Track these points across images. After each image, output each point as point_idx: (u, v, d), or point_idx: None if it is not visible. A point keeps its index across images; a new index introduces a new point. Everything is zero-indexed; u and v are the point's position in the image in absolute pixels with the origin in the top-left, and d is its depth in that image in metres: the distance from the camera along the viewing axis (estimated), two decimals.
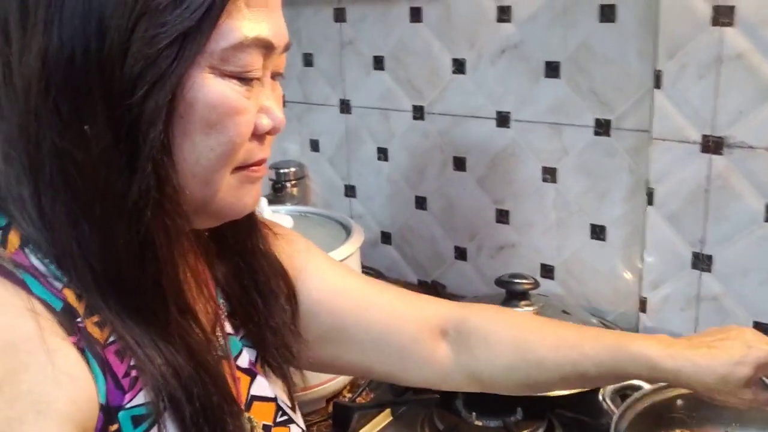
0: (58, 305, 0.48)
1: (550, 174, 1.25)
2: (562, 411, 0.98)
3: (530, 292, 1.10)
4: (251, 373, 0.63)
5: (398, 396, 1.05)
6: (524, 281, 1.09)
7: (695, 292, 1.12)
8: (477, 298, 1.20)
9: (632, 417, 0.85)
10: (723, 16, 0.98)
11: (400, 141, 1.43)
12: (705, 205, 1.07)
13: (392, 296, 0.77)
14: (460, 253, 1.41)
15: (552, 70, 1.20)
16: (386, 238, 1.51)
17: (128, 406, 0.49)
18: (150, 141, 0.48)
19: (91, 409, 0.47)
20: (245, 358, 0.63)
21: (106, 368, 0.49)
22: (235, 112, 0.51)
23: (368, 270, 1.26)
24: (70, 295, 0.49)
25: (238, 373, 0.62)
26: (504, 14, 1.22)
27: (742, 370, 0.67)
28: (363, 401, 1.07)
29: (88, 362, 0.48)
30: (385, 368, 0.76)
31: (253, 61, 0.52)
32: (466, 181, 1.36)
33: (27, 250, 0.49)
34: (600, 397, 0.89)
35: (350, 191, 1.54)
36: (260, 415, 0.62)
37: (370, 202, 1.52)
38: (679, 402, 0.88)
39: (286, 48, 0.56)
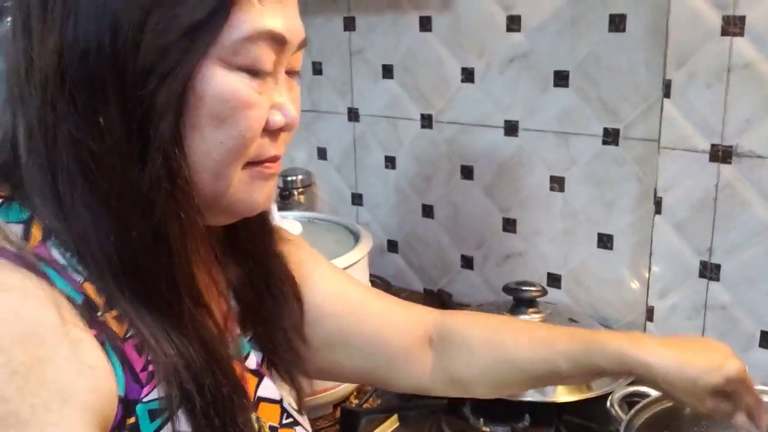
0: (79, 298, 0.48)
1: (557, 183, 1.26)
2: (570, 417, 0.98)
3: (537, 299, 1.11)
4: (258, 375, 0.63)
5: (406, 402, 1.05)
6: (532, 288, 1.10)
7: (702, 301, 1.12)
8: (483, 306, 1.20)
9: (640, 423, 0.84)
10: (732, 26, 0.99)
11: (408, 149, 1.43)
12: (713, 214, 1.07)
13: (390, 305, 0.78)
14: (467, 262, 1.41)
15: (561, 79, 1.21)
16: (393, 246, 1.51)
17: (145, 399, 0.50)
18: (160, 133, 0.48)
19: (111, 400, 0.47)
20: (253, 360, 0.63)
21: (125, 362, 0.49)
22: (246, 105, 0.51)
23: (375, 278, 1.26)
24: (90, 289, 0.49)
25: (247, 374, 0.62)
26: (513, 24, 1.23)
27: (714, 378, 0.68)
28: (370, 407, 1.07)
29: (107, 355, 0.48)
30: (379, 375, 0.77)
31: (265, 55, 0.52)
32: (473, 190, 1.36)
33: (49, 243, 0.50)
34: (608, 404, 0.89)
35: (357, 199, 1.55)
36: (266, 417, 0.62)
37: (376, 210, 1.53)
38: (688, 410, 0.87)
39: (302, 45, 0.56)
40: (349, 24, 1.44)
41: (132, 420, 0.49)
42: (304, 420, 0.68)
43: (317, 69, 1.52)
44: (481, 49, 1.28)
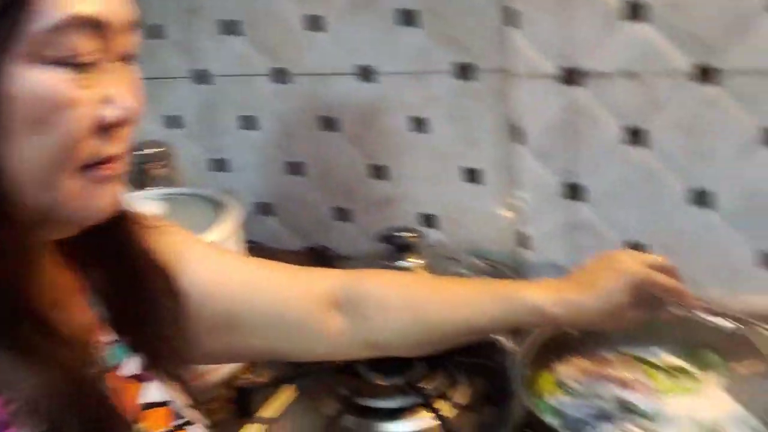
0: None
1: (420, 124, 1.25)
2: (461, 358, 0.99)
3: (415, 243, 1.10)
4: (140, 380, 0.59)
5: (298, 369, 1.03)
6: (408, 234, 1.09)
7: (571, 221, 1.16)
8: (364, 258, 1.19)
9: (532, 352, 0.87)
10: None
11: (265, 107, 1.37)
12: (571, 137, 1.10)
13: (279, 274, 0.74)
14: (341, 214, 1.39)
15: (408, 18, 1.18)
16: (263, 208, 1.47)
17: None
18: None
19: None
20: (131, 366, 0.59)
21: None
22: (65, 105, 0.45)
23: (250, 243, 1.22)
24: None
25: (125, 383, 0.57)
26: None
27: (621, 297, 0.71)
28: (263, 380, 1.04)
29: None
30: (281, 348, 0.74)
31: (82, 44, 0.46)
32: (338, 140, 1.33)
33: None
34: (499, 339, 0.91)
35: (218, 165, 1.48)
36: (156, 423, 0.58)
37: (241, 174, 1.46)
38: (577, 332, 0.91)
39: (131, 26, 0.50)
40: None
41: None
42: (198, 416, 0.64)
43: (154, 33, 1.42)
44: None
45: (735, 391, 0.83)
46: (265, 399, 0.99)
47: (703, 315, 0.78)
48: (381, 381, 0.97)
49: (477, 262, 1.19)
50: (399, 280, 0.79)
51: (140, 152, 1.43)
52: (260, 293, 0.71)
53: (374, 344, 0.74)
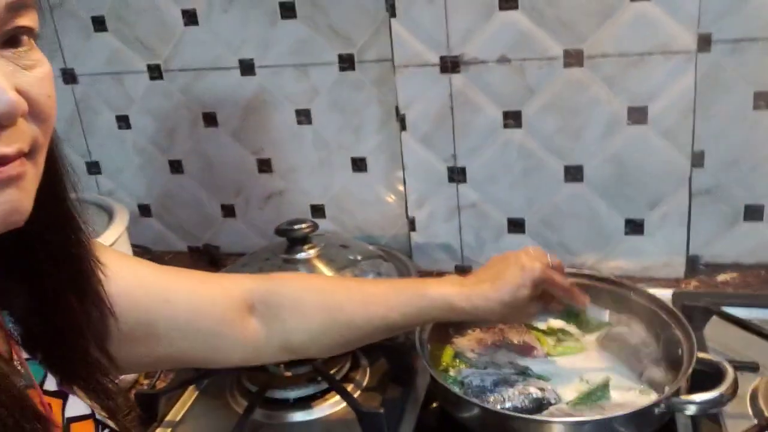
0: None
1: (304, 116, 1.25)
2: None
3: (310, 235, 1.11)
4: (62, 395, 0.56)
5: (198, 370, 1.02)
6: (303, 225, 1.10)
7: (455, 203, 1.21)
8: (257, 253, 1.19)
9: (430, 328, 0.91)
10: None
11: (141, 105, 1.33)
12: (452, 123, 1.15)
13: (192, 282, 0.73)
14: (228, 211, 1.38)
15: (287, 10, 1.19)
16: (145, 210, 1.42)
17: None
18: None
19: None
20: (52, 381, 0.56)
21: None
22: None
23: (135, 248, 1.18)
24: None
25: (48, 399, 0.55)
26: None
27: (523, 291, 0.76)
28: (164, 384, 1.02)
29: None
30: (198, 356, 0.73)
31: None
32: (221, 136, 1.31)
33: None
34: None
35: (94, 168, 1.42)
36: None
37: (119, 176, 1.41)
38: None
39: (15, 5, 0.44)
40: None
41: None
42: (122, 425, 0.62)
43: None
44: None
45: (613, 347, 0.90)
46: (170, 403, 0.97)
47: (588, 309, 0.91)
48: (287, 372, 0.98)
49: (369, 248, 1.21)
50: (313, 282, 0.80)
51: None
52: (175, 301, 0.69)
53: (290, 347, 0.75)
